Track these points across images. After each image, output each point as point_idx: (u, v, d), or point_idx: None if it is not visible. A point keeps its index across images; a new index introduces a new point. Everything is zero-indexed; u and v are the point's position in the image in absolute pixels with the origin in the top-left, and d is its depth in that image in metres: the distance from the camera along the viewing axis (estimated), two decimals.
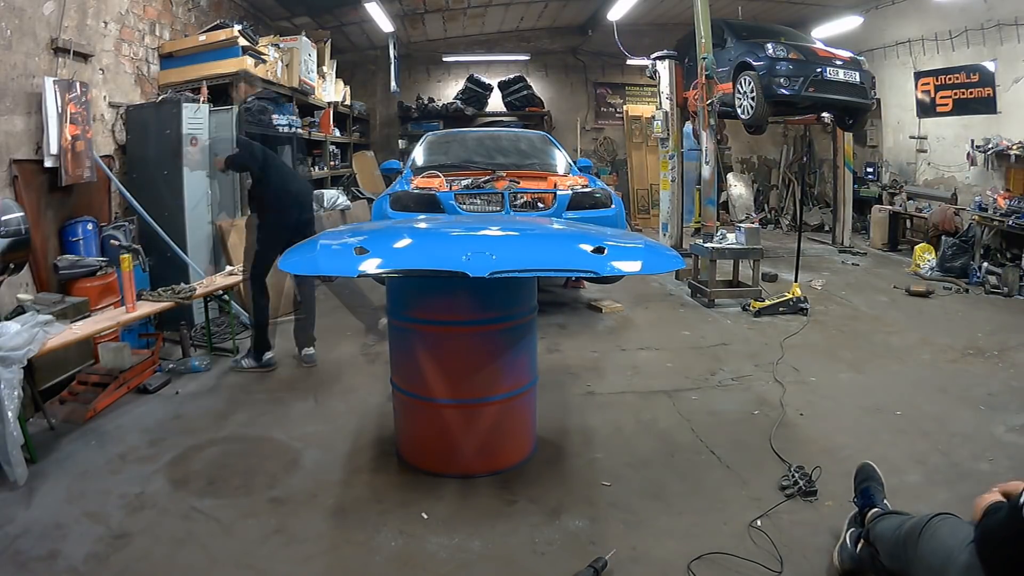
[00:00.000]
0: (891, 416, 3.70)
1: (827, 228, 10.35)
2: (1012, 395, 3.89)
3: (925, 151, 9.25)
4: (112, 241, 4.71)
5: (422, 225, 3.97)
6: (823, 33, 9.67)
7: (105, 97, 5.08)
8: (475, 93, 11.75)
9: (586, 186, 5.69)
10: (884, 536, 2.02)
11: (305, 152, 8.42)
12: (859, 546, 2.21)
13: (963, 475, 3.01)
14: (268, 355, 4.55)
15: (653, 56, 9.06)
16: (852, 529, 2.35)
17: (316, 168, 8.87)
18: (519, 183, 5.75)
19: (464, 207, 5.35)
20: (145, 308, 4.02)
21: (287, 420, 3.68)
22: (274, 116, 5.92)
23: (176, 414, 3.76)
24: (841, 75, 7.34)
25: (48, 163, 4.23)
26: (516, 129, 8.82)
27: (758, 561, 2.38)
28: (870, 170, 10.33)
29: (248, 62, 6.04)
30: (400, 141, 11.68)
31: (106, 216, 5.01)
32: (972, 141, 8.05)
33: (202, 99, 5.63)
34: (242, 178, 5.95)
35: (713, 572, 2.35)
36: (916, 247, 7.99)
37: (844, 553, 2.30)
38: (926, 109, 8.91)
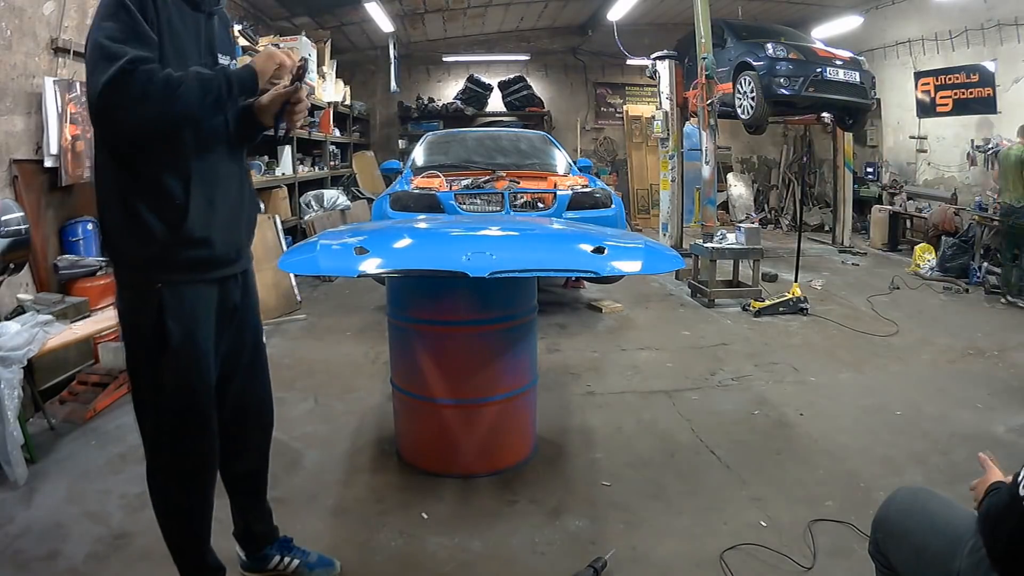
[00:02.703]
0: (891, 416, 3.70)
1: (827, 228, 10.35)
2: (1012, 395, 3.89)
3: (925, 151, 9.25)
4: None
5: (422, 225, 3.97)
6: (823, 33, 9.67)
7: None
8: (475, 93, 11.75)
9: (586, 186, 5.69)
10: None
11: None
12: None
13: (963, 475, 2.99)
14: None
15: (653, 56, 9.05)
16: None
17: (316, 168, 8.88)
18: (519, 183, 5.75)
19: (464, 207, 5.35)
20: None
21: (287, 420, 3.67)
22: None
23: None
24: (841, 75, 7.34)
25: (48, 163, 4.22)
26: (516, 129, 8.82)
27: (785, 553, 2.39)
28: (870, 170, 10.32)
29: None
30: (400, 141, 11.69)
31: None
32: (972, 141, 8.06)
33: None
34: None
35: (741, 560, 2.35)
36: (916, 247, 7.98)
37: None
38: (926, 109, 8.91)
